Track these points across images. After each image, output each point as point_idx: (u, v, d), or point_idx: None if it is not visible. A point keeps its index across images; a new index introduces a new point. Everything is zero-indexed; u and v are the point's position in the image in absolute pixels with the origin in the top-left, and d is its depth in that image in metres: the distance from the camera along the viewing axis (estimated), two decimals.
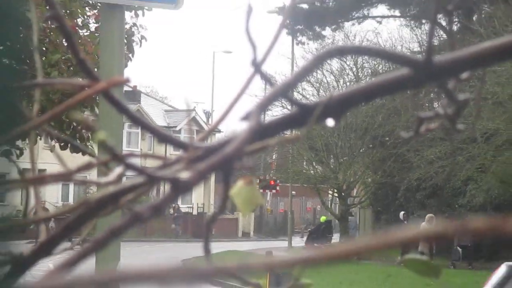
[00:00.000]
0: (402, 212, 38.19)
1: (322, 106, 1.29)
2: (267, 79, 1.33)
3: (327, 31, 48.64)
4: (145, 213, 1.09)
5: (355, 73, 45.53)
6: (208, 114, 70.86)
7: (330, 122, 1.32)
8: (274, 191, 60.03)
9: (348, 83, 44.65)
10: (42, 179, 1.15)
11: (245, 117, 1.24)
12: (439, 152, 36.63)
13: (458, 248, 34.12)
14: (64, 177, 1.17)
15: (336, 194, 46.25)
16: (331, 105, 1.31)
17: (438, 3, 1.28)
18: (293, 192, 54.35)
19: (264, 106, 1.22)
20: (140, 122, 1.30)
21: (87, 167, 1.17)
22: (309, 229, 49.33)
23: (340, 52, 1.33)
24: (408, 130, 1.43)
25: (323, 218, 48.96)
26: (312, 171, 46.97)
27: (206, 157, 1.24)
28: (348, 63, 43.65)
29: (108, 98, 1.23)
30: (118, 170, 1.24)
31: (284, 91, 1.29)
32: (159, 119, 67.18)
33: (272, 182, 57.84)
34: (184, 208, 63.12)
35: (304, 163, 47.89)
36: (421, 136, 1.38)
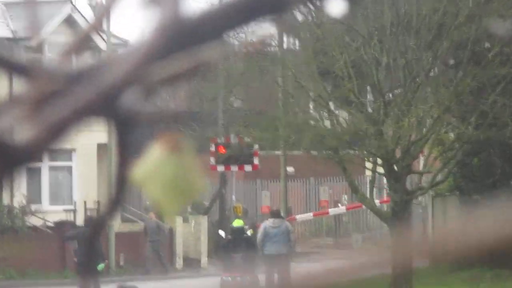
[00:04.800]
0: None
1: None
2: None
3: None
4: None
5: None
6: (97, 8, 42.27)
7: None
8: (249, 167, 30.82)
9: None
10: None
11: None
12: None
13: None
14: None
15: (381, 169, 22.17)
16: None
17: None
18: (290, 169, 28.26)
19: None
20: None
21: None
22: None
23: None
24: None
25: (238, 222, 29.00)
26: (327, 122, 22.77)
27: (70, 94, 0.53)
28: None
29: None
30: None
31: None
32: None
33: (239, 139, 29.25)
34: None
35: (311, 106, 24.09)
36: None
